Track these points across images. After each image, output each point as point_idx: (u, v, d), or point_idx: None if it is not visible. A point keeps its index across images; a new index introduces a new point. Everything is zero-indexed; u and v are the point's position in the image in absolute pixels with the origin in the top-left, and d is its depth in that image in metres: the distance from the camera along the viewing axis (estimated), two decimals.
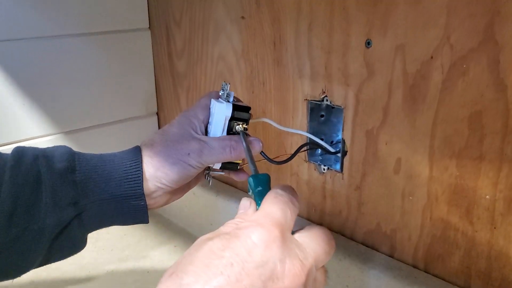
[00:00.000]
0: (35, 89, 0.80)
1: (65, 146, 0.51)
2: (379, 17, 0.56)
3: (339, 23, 0.61)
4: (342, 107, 0.64)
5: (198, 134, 0.53)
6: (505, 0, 0.46)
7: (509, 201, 0.50)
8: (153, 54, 0.96)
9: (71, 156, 0.49)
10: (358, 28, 0.59)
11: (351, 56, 0.61)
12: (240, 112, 0.54)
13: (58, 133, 0.85)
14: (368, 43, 0.58)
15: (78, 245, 0.52)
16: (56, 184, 0.47)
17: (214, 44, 0.81)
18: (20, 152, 0.48)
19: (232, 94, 0.55)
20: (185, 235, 0.90)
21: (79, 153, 0.51)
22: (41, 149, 0.50)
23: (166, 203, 0.55)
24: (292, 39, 0.68)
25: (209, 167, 0.56)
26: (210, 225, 0.86)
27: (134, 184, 0.50)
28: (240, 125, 0.54)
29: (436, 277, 0.59)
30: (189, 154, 0.51)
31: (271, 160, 0.55)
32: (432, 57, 0.53)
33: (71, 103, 0.85)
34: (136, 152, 0.52)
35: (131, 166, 0.51)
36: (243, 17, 0.74)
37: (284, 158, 0.57)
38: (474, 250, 0.55)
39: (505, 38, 0.47)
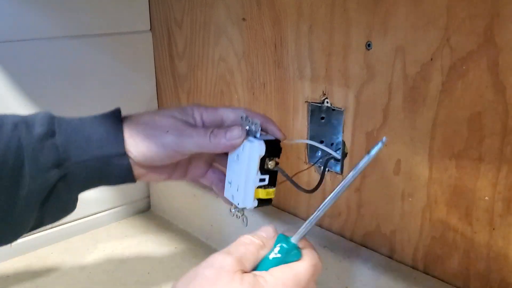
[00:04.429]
0: (36, 91, 0.80)
1: (45, 111, 0.51)
2: (379, 19, 0.57)
3: (339, 25, 0.61)
4: (343, 109, 0.64)
5: (189, 122, 0.51)
6: (504, 2, 0.46)
7: (508, 202, 0.51)
8: (154, 56, 0.96)
9: (51, 120, 0.49)
10: (359, 30, 0.59)
11: (351, 58, 0.61)
12: (273, 147, 0.49)
13: None
14: (368, 45, 0.59)
15: (68, 207, 0.52)
16: (37, 148, 0.47)
17: (215, 45, 0.81)
18: (0, 121, 0.48)
19: (259, 129, 0.50)
20: (185, 236, 0.90)
21: (59, 117, 0.50)
22: (21, 116, 0.49)
23: (145, 177, 0.53)
24: (292, 41, 0.68)
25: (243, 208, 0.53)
26: (210, 226, 0.86)
27: (115, 143, 0.49)
28: (273, 161, 0.50)
29: (436, 278, 0.59)
30: (168, 131, 0.49)
31: (300, 188, 0.51)
32: (432, 59, 0.53)
33: (72, 104, 0.85)
34: (116, 112, 0.51)
35: (111, 126, 0.50)
36: (244, 19, 0.74)
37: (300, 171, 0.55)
38: (473, 252, 0.55)
39: (505, 40, 0.47)
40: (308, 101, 0.68)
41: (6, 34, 0.75)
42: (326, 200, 0.42)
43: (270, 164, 0.49)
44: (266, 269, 0.39)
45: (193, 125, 0.52)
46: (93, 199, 0.93)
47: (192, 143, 0.49)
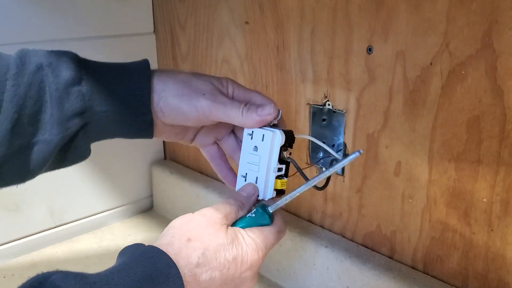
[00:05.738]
0: None
1: (70, 52, 0.49)
2: (381, 23, 0.58)
3: (341, 29, 0.62)
4: (344, 111, 0.65)
5: (223, 92, 0.52)
6: (502, 9, 0.47)
7: (505, 204, 0.52)
8: (157, 57, 0.97)
9: (78, 64, 0.48)
10: (360, 34, 0.60)
11: (352, 62, 0.62)
12: (289, 138, 0.52)
13: None
14: (369, 49, 0.60)
15: (82, 154, 0.51)
16: (63, 95, 0.46)
17: (218, 47, 0.82)
18: (23, 59, 0.46)
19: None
20: None
21: (85, 61, 0.49)
22: (45, 55, 0.47)
23: (161, 135, 0.54)
24: (295, 44, 0.69)
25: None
26: None
27: (140, 97, 0.49)
28: (287, 152, 0.52)
29: (435, 278, 0.60)
30: (204, 94, 0.49)
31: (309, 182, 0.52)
32: (431, 63, 0.54)
33: None
34: (144, 64, 0.51)
35: (139, 78, 0.49)
36: (247, 22, 0.75)
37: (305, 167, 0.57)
38: (472, 252, 0.56)
39: (502, 46, 0.48)
40: (310, 103, 0.69)
41: (12, 37, 0.76)
42: (304, 184, 0.49)
43: (286, 154, 0.51)
44: (243, 225, 0.48)
45: (227, 96, 0.52)
46: (96, 199, 0.94)
47: (224, 112, 0.50)
